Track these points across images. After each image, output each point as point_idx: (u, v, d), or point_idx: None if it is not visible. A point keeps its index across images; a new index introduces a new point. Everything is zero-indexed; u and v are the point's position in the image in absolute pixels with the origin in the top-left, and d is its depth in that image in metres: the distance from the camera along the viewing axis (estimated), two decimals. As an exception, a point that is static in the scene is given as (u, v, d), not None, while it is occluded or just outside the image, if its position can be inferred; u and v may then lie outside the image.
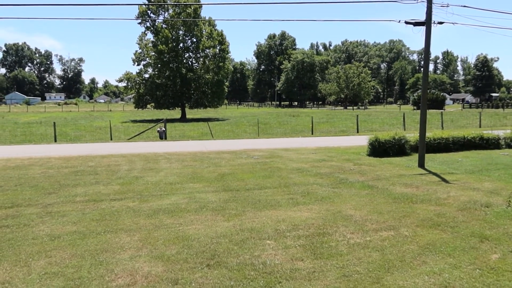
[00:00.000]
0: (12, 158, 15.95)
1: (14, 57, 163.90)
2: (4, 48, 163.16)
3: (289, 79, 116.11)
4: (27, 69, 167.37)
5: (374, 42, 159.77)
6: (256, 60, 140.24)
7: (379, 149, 15.59)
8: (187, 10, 46.79)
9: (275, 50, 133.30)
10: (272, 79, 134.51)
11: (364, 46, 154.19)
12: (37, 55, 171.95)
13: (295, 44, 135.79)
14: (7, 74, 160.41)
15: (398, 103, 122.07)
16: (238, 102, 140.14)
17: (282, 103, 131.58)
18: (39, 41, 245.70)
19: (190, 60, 51.28)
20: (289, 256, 6.00)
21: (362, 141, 18.15)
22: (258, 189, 10.34)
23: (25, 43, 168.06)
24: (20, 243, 6.72)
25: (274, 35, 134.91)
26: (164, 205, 8.88)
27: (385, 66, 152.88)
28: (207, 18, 50.66)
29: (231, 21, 50.47)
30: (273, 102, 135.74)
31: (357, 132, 27.68)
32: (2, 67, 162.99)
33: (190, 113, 56.85)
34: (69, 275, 5.48)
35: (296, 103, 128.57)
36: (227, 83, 55.85)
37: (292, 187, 10.52)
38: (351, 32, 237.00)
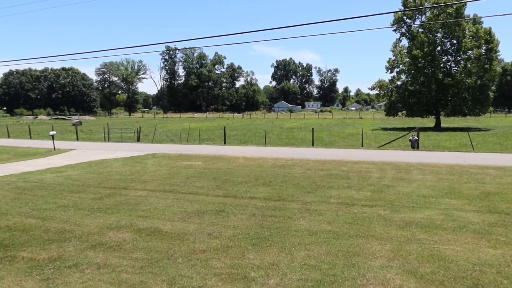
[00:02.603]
0: (279, 158, 18.52)
1: (282, 71, 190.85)
2: (275, 64, 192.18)
3: None
4: (291, 81, 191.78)
5: None
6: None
7: None
8: (448, 10, 43.20)
9: None
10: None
11: None
12: (300, 68, 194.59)
13: None
14: (276, 86, 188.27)
15: None
16: (506, 109, 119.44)
17: None
18: (301, 56, 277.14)
19: (448, 64, 47.14)
20: None
21: None
22: (536, 215, 8.52)
23: (291, 58, 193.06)
24: (285, 233, 7.71)
25: None
26: (416, 218, 8.46)
27: None
28: (471, 16, 45.45)
29: (502, 16, 43.44)
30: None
31: None
32: (273, 80, 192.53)
33: (446, 122, 52.30)
34: (325, 270, 5.91)
35: None
36: (493, 88, 48.39)
37: None
38: None
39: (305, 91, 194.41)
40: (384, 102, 56.82)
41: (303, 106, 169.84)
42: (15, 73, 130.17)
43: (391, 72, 49.71)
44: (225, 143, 27.23)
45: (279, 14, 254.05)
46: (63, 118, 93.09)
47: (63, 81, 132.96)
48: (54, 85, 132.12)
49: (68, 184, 12.84)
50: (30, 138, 34.53)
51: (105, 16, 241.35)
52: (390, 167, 15.43)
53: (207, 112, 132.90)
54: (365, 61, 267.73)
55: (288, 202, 10.17)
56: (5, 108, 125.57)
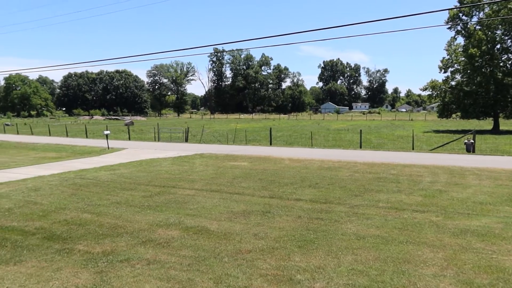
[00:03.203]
0: (326, 160, 18.26)
1: (329, 72, 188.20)
2: (322, 65, 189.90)
3: None
4: (339, 82, 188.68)
5: None
6: None
7: None
8: (509, 6, 40.63)
9: None
10: None
11: None
12: (347, 69, 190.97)
13: None
14: (323, 87, 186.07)
15: None
16: None
17: None
18: (349, 56, 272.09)
19: (509, 62, 44.35)
20: None
21: None
22: None
23: (338, 59, 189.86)
24: (332, 236, 7.58)
25: None
26: (472, 226, 8.00)
27: None
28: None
29: None
30: None
31: None
32: (320, 81, 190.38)
33: (505, 124, 49.20)
34: (373, 276, 5.74)
35: None
36: None
37: None
38: None
39: (353, 92, 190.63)
40: (436, 104, 54.37)
41: (351, 108, 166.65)
42: (73, 75, 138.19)
43: (444, 72, 47.56)
44: (271, 144, 27.28)
45: (327, 14, 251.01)
46: (116, 119, 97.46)
47: (116, 83, 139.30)
48: (109, 87, 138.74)
49: (121, 182, 13.40)
50: (86, 137, 36.43)
51: (156, 21, 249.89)
52: (443, 171, 14.74)
53: (253, 113, 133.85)
54: (416, 60, 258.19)
55: (335, 205, 9.99)
56: (64, 109, 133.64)
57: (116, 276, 5.90)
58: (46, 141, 32.51)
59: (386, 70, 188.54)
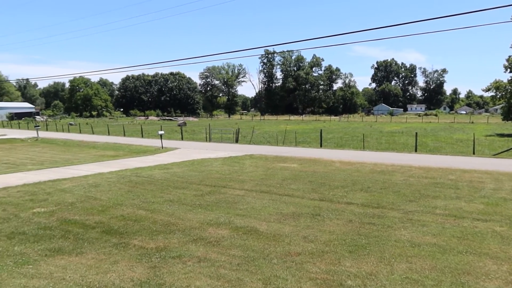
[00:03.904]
0: (378, 163, 17.72)
1: (383, 73, 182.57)
2: (375, 65, 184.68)
3: None
4: (393, 82, 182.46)
5: None
6: None
7: None
8: None
9: None
10: None
11: None
12: (402, 69, 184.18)
13: None
14: (376, 88, 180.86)
15: None
16: None
17: None
18: (404, 56, 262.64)
19: None
20: None
21: None
22: None
23: (393, 59, 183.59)
24: (384, 242, 7.32)
25: None
26: (541, 237, 7.40)
27: None
28: None
29: None
30: None
31: None
32: (373, 82, 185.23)
33: None
34: (429, 286, 5.48)
35: None
36: None
37: None
38: None
39: (408, 93, 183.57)
40: (501, 105, 51.01)
41: (405, 109, 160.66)
42: (131, 78, 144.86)
43: (510, 72, 44.55)
44: (321, 146, 26.93)
45: (380, 14, 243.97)
46: (170, 119, 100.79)
47: (171, 85, 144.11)
48: (163, 89, 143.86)
49: (173, 181, 13.81)
50: (142, 137, 37.99)
51: (209, 24, 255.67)
52: (508, 178, 13.78)
53: (304, 115, 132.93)
54: (478, 60, 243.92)
55: (388, 210, 9.65)
56: (122, 110, 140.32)
57: (168, 271, 6.08)
58: (105, 140, 34.30)
59: (444, 70, 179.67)
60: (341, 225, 8.42)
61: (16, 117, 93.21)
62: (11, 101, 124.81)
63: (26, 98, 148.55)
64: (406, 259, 6.48)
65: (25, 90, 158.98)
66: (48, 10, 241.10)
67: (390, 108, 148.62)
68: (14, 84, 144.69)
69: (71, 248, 7.18)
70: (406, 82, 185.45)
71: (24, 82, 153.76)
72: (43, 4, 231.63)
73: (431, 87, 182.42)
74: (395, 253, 6.75)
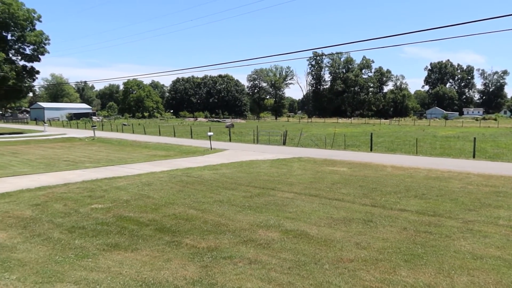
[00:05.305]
0: (433, 169, 16.94)
1: (437, 75, 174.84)
2: (429, 67, 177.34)
3: None
4: (447, 85, 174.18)
5: None
6: None
7: None
8: None
9: None
10: None
11: None
12: (458, 71, 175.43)
13: None
14: (430, 91, 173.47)
15: None
16: None
17: None
18: (461, 58, 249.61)
19: None
20: None
21: None
22: None
23: (448, 60, 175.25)
24: (443, 253, 6.96)
25: None
26: None
27: None
28: None
29: None
30: None
31: None
32: (426, 85, 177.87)
33: None
34: (494, 302, 5.12)
35: None
36: None
37: None
38: None
39: (464, 96, 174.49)
40: None
41: (461, 113, 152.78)
42: (181, 80, 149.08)
43: None
44: (371, 150, 26.22)
45: (434, 13, 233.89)
46: (218, 121, 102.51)
47: (219, 87, 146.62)
48: (212, 91, 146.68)
49: (223, 181, 13.98)
50: (191, 137, 38.89)
51: (257, 27, 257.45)
52: None
53: (352, 118, 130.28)
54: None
55: (445, 218, 9.18)
56: (172, 111, 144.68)
57: (220, 272, 6.13)
58: (156, 140, 35.47)
59: (505, 72, 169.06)
60: (395, 232, 8.11)
61: (74, 117, 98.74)
62: (71, 102, 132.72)
63: (84, 99, 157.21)
64: (468, 272, 6.11)
65: (83, 92, 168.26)
66: (103, 17, 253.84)
67: (445, 111, 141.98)
68: (73, 86, 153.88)
69: (127, 244, 7.44)
70: (462, 84, 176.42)
71: (82, 84, 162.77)
72: (99, 11, 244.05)
73: (490, 89, 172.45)
74: (455, 265, 6.40)
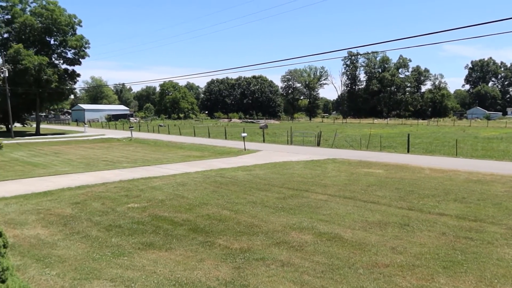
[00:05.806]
0: (474, 172, 16.26)
1: (478, 73, 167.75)
2: (470, 65, 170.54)
3: None
4: (490, 84, 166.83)
5: None
6: None
7: None
8: None
9: None
10: None
11: None
12: (502, 69, 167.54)
13: None
14: (470, 90, 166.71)
15: None
16: None
17: None
18: (505, 55, 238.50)
19: None
20: None
21: None
22: None
23: (490, 58, 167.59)
24: (484, 260, 6.65)
25: None
26: None
27: None
28: None
29: None
30: None
31: None
32: (467, 83, 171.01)
33: None
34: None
35: None
36: None
37: None
38: None
39: (508, 96, 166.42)
40: None
41: (505, 113, 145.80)
42: (215, 81, 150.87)
43: None
44: (408, 151, 25.48)
45: (475, 9, 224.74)
46: (252, 122, 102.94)
47: (253, 88, 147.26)
48: (246, 92, 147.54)
49: (256, 182, 14.01)
50: (225, 138, 39.26)
51: (291, 27, 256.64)
52: None
53: (388, 118, 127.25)
54: None
55: (487, 224, 8.77)
56: (206, 112, 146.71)
57: (252, 273, 6.13)
58: (191, 141, 36.04)
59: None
60: (433, 237, 7.83)
61: (113, 119, 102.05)
62: (109, 103, 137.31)
63: (121, 101, 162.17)
64: (512, 281, 5.81)
65: (121, 93, 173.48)
66: (139, 21, 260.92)
67: (487, 111, 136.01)
68: (112, 88, 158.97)
69: (161, 243, 7.59)
70: (506, 83, 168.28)
71: (120, 86, 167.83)
72: (135, 15, 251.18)
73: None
74: (498, 273, 6.09)
